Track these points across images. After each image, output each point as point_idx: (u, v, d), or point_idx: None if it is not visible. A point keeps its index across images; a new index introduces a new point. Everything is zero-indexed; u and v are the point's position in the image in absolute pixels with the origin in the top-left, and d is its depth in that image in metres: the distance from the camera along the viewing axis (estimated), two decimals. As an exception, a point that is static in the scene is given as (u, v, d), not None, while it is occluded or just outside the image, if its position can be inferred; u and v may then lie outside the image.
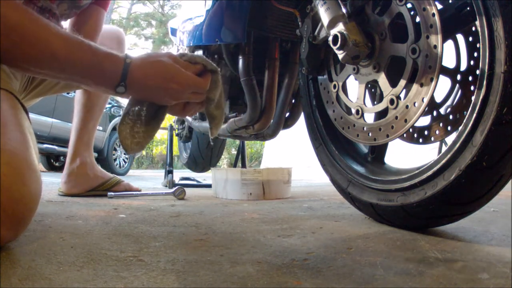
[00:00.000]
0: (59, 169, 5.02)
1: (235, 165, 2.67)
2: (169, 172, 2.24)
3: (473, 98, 0.72)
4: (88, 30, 1.24)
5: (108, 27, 1.57)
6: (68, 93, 4.13)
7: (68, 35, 0.74)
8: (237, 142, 3.13)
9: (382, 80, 0.85)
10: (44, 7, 1.04)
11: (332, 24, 0.86)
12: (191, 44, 1.56)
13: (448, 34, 0.85)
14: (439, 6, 0.83)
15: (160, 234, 0.82)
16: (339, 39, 0.83)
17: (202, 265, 0.60)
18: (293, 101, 1.59)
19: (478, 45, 0.79)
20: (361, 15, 0.88)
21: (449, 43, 0.91)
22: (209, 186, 2.17)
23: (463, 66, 0.89)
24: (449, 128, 0.88)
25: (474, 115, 0.70)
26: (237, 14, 1.21)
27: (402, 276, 0.54)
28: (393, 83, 0.83)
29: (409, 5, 0.79)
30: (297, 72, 1.38)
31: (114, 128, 5.51)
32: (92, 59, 0.75)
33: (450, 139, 0.80)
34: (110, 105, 5.41)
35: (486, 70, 0.68)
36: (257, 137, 1.60)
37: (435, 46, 0.73)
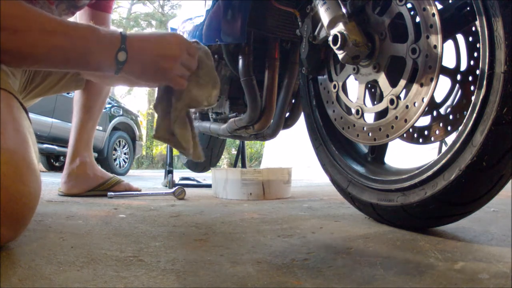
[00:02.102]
0: (59, 169, 5.02)
1: (235, 165, 2.67)
2: (169, 172, 2.24)
3: (473, 98, 0.72)
4: None
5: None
6: (68, 93, 4.13)
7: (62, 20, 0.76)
8: (237, 142, 3.13)
9: (382, 80, 0.85)
10: (44, 8, 1.04)
11: (332, 24, 0.86)
12: (191, 44, 1.56)
13: (448, 34, 0.85)
14: (439, 6, 0.83)
15: (160, 234, 0.82)
16: (339, 39, 0.83)
17: (202, 265, 0.60)
18: (293, 101, 1.59)
19: (478, 45, 0.79)
20: (361, 15, 0.88)
21: (449, 43, 0.91)
22: (209, 186, 2.17)
23: (463, 66, 0.89)
24: (449, 128, 0.88)
25: (474, 115, 0.70)
26: (237, 14, 1.21)
27: (402, 276, 0.54)
28: (393, 83, 0.83)
29: (409, 5, 0.79)
30: (297, 72, 1.38)
31: (114, 128, 5.51)
32: (89, 27, 0.77)
33: (450, 139, 0.80)
34: (110, 105, 5.41)
35: (486, 70, 0.68)
36: (257, 137, 1.60)
37: (435, 46, 0.73)
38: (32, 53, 0.72)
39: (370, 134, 0.90)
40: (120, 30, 0.82)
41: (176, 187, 1.62)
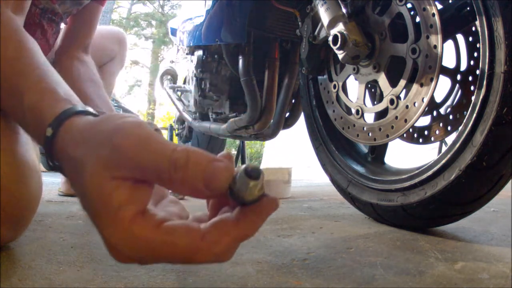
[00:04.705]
0: (59, 169, 5.01)
1: (235, 165, 2.67)
2: (169, 172, 2.24)
3: (473, 98, 0.72)
4: (85, 27, 1.23)
5: (109, 27, 1.57)
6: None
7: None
8: (237, 142, 3.13)
9: (382, 80, 0.85)
10: (46, 8, 1.03)
11: (332, 24, 0.86)
12: (191, 44, 1.56)
13: (448, 34, 0.85)
14: (439, 6, 0.83)
15: (160, 234, 0.82)
16: (339, 39, 0.83)
17: (202, 265, 0.60)
18: (293, 101, 1.59)
19: (478, 45, 0.79)
20: (361, 15, 0.88)
21: (449, 43, 0.91)
22: (209, 186, 2.17)
23: (463, 66, 0.89)
24: (449, 128, 0.88)
25: (474, 115, 0.70)
26: (237, 14, 1.21)
27: (402, 276, 0.54)
28: (393, 83, 0.83)
29: (409, 5, 0.79)
30: (297, 72, 1.38)
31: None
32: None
33: (450, 139, 0.80)
34: (110, 105, 5.41)
35: (486, 70, 0.68)
36: (257, 137, 1.60)
37: (435, 46, 0.73)
38: None
39: (370, 134, 0.90)
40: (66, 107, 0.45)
41: (176, 187, 1.62)
